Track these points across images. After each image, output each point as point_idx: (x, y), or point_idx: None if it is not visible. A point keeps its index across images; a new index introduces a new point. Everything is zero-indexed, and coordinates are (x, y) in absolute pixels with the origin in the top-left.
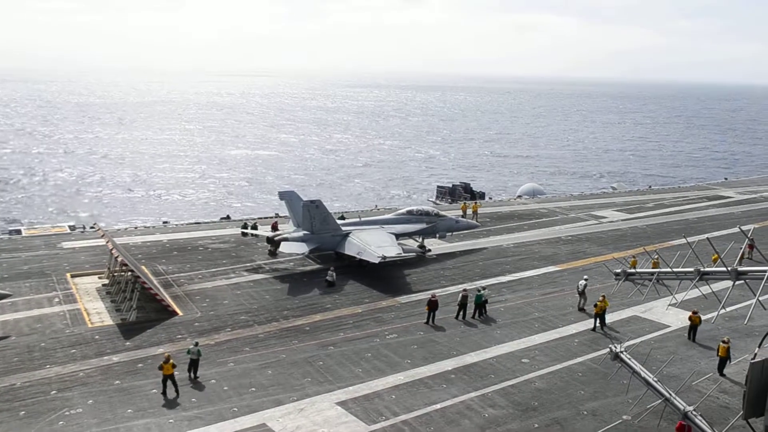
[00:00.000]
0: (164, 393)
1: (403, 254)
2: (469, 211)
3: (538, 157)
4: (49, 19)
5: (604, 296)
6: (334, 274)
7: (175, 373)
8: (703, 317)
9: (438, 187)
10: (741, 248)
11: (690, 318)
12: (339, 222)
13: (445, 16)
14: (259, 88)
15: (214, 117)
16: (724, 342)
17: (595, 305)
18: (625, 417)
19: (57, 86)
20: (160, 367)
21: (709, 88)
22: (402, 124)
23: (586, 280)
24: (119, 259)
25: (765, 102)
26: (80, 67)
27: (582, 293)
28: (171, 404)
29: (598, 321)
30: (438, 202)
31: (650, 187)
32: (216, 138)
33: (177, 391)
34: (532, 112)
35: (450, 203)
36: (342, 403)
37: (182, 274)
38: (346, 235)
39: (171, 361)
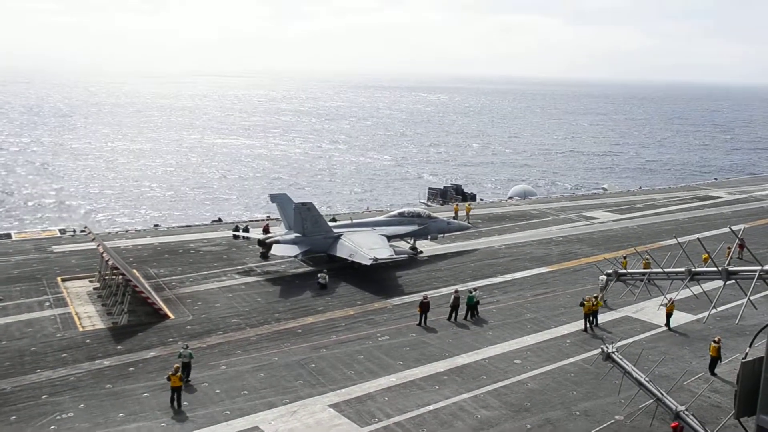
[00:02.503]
0: (172, 402)
1: (395, 256)
2: (462, 213)
3: (530, 159)
4: (25, 18)
5: (596, 296)
6: (326, 276)
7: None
8: (694, 317)
9: (429, 188)
10: (731, 248)
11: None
12: (331, 224)
13: (432, 18)
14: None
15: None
16: (715, 341)
17: (582, 304)
18: (617, 417)
19: (21, 87)
20: (168, 378)
21: (694, 89)
22: (375, 125)
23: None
24: (110, 262)
25: (747, 103)
26: (55, 68)
27: (604, 288)
28: (163, 408)
29: (590, 322)
30: (429, 203)
31: (641, 187)
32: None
33: (179, 404)
34: (522, 113)
35: (441, 204)
36: (334, 406)
37: (173, 277)
38: (338, 237)
39: (179, 373)
